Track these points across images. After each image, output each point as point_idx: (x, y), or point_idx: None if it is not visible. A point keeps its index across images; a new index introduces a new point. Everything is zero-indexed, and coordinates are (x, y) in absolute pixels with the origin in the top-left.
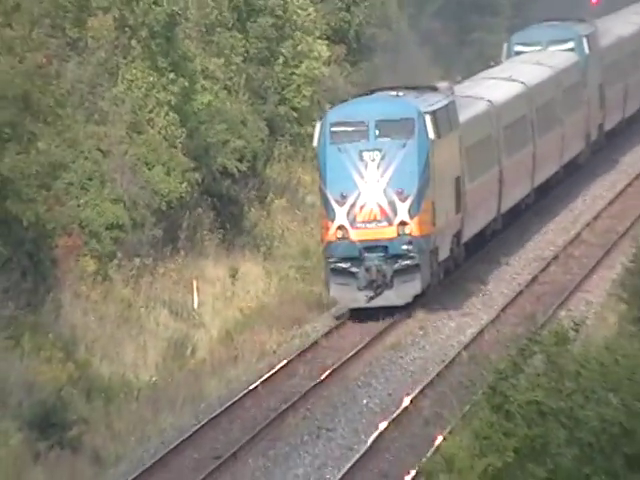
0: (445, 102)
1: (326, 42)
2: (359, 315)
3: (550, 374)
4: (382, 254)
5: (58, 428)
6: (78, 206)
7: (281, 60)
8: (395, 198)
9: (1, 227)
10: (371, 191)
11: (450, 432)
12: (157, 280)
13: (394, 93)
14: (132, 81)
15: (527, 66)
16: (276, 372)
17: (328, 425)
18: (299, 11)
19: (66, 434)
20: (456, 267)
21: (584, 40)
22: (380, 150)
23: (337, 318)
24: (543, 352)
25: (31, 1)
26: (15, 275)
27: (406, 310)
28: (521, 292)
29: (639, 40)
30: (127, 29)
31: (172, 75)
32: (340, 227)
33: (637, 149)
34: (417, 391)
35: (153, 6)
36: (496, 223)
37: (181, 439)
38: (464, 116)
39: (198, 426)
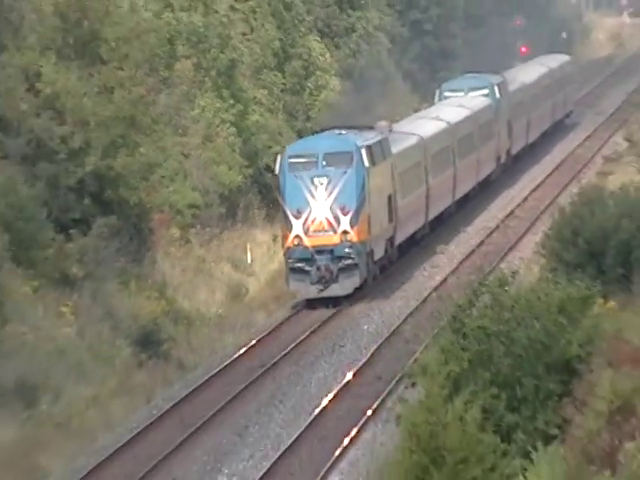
0: (379, 138)
1: (338, 78)
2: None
3: (494, 307)
4: (329, 256)
5: (154, 344)
6: (167, 192)
7: (307, 91)
8: (339, 213)
9: (115, 206)
10: (320, 208)
11: (424, 348)
12: (222, 243)
13: (338, 132)
14: (204, 106)
15: (451, 108)
16: (303, 308)
17: (340, 343)
18: (320, 57)
19: (160, 348)
20: (390, 264)
21: (495, 87)
22: (327, 176)
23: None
24: (489, 292)
25: (136, 51)
26: (125, 239)
27: (352, 296)
28: (473, 251)
29: (539, 85)
30: (202, 70)
31: (232, 102)
32: (296, 236)
33: (536, 167)
34: (401, 320)
35: (220, 54)
36: (424, 229)
37: (238, 353)
38: (398, 148)
39: (250, 344)
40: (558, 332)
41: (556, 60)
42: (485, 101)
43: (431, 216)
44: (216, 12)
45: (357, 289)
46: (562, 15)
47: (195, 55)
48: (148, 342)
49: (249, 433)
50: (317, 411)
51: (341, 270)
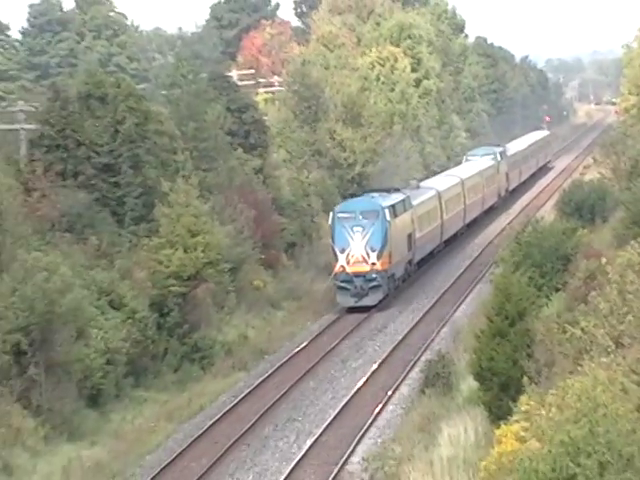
0: (402, 197)
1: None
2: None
3: (533, 232)
4: (362, 278)
5: None
6: None
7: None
8: (369, 251)
9: None
10: (357, 247)
11: (501, 251)
12: None
13: (371, 195)
14: None
15: (466, 167)
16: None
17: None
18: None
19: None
20: (409, 276)
21: (498, 153)
22: (362, 226)
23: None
24: (531, 225)
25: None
26: None
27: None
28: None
29: (527, 149)
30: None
31: None
32: (341, 266)
33: (525, 197)
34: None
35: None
36: (439, 247)
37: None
38: (418, 200)
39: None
40: (562, 242)
41: (540, 134)
42: (490, 162)
43: (445, 238)
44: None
45: (380, 300)
46: (563, 103)
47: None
48: None
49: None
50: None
51: (370, 288)
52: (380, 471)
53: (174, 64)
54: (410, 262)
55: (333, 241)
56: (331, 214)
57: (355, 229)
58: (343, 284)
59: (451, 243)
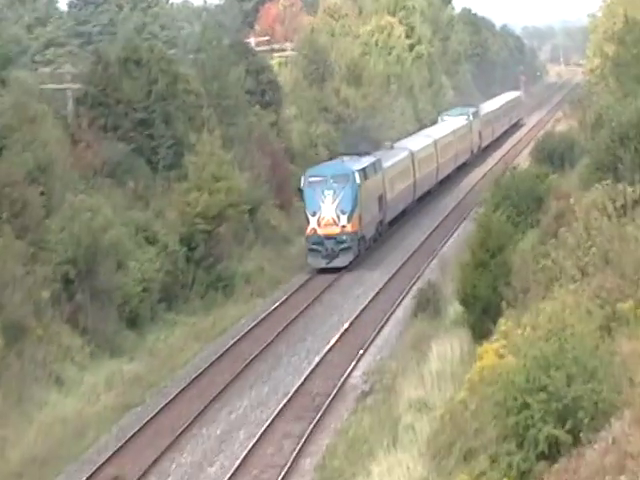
0: (372, 160)
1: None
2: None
3: (510, 176)
4: (333, 241)
5: None
6: None
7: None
8: (340, 214)
9: None
10: (328, 210)
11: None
12: None
13: (342, 159)
14: None
15: (440, 127)
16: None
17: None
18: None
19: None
20: (380, 235)
21: (471, 114)
22: (333, 189)
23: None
24: (509, 171)
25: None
26: None
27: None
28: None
29: (499, 109)
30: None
31: None
32: (313, 228)
33: (497, 153)
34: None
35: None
36: (413, 204)
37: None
38: (390, 162)
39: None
40: (536, 185)
41: (511, 94)
42: (463, 122)
43: (417, 196)
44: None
45: (351, 262)
46: (537, 65)
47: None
48: None
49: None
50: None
51: (341, 250)
52: (378, 383)
53: (200, 32)
54: (381, 222)
55: (305, 204)
56: (302, 178)
57: (326, 192)
58: (314, 246)
59: (424, 199)
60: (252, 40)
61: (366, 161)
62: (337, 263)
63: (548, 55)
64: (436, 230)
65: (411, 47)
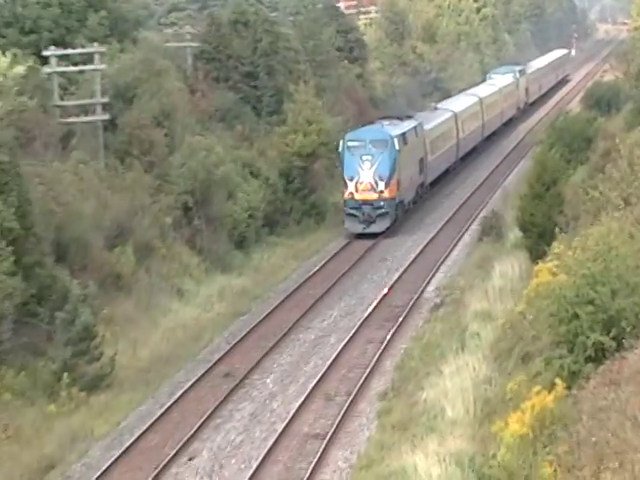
0: (413, 124)
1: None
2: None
3: (564, 120)
4: (370, 206)
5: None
6: None
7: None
8: (377, 179)
9: None
10: (366, 175)
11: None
12: None
13: (383, 122)
14: None
15: (486, 86)
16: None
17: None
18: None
19: None
20: (421, 197)
21: (518, 71)
22: (371, 155)
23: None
24: (562, 116)
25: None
26: None
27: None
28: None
29: (547, 66)
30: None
31: None
32: (350, 193)
33: (542, 109)
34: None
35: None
36: (456, 164)
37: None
38: (432, 123)
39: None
40: (585, 128)
41: (559, 52)
42: (509, 79)
43: (460, 155)
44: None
45: (388, 227)
46: (588, 24)
47: None
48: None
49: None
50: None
51: (378, 216)
52: (449, 297)
53: None
54: (422, 184)
55: (343, 169)
56: (341, 142)
57: (364, 158)
58: (352, 211)
59: (470, 156)
60: (342, 4)
61: (407, 125)
62: (374, 229)
63: (597, 15)
64: (499, 167)
65: (478, 9)
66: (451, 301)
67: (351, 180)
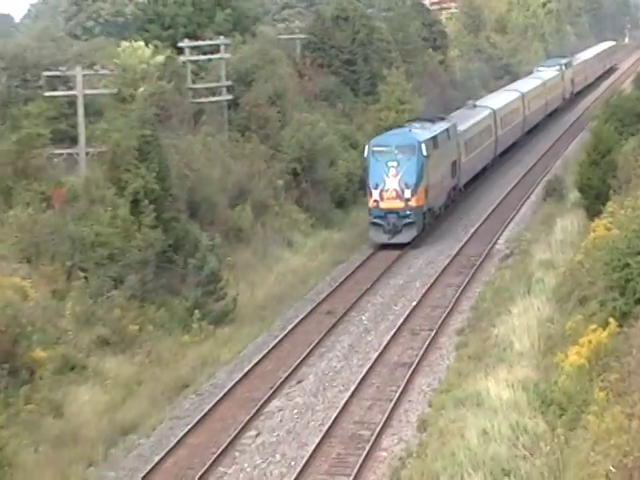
0: (444, 127)
1: None
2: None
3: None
4: (396, 215)
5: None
6: None
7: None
8: (404, 187)
9: None
10: (391, 183)
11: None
12: None
13: (413, 126)
14: None
15: (530, 80)
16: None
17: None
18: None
19: None
20: (453, 201)
21: (563, 64)
22: (397, 161)
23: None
24: (617, 95)
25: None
26: None
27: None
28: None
29: (594, 58)
30: None
31: None
32: (375, 201)
33: (589, 98)
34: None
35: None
36: (494, 161)
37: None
38: (469, 122)
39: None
40: (637, 104)
41: (606, 44)
42: (554, 72)
43: (499, 151)
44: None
45: (414, 237)
46: (639, 17)
47: None
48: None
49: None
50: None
51: (404, 225)
52: (517, 249)
53: None
54: (455, 187)
55: (367, 175)
56: (366, 147)
57: (390, 164)
58: (377, 220)
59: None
60: (427, 1)
61: (437, 128)
62: (400, 239)
63: None
64: (561, 138)
65: (544, 4)
66: (519, 252)
67: (376, 187)
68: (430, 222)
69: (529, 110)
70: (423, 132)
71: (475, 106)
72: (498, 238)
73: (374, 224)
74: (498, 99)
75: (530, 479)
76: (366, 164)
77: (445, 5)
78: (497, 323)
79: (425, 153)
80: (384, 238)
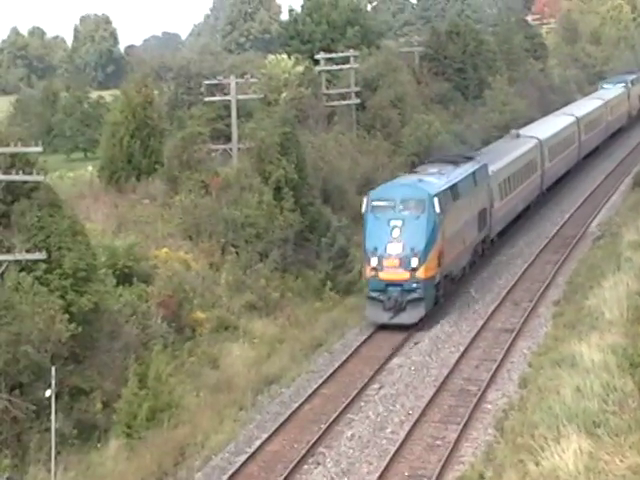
0: (470, 171)
1: None
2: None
3: None
4: (399, 288)
5: None
6: None
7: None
8: (409, 253)
9: None
10: (393, 247)
11: None
12: None
13: (423, 174)
14: None
15: (589, 101)
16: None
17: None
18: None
19: None
20: (482, 255)
21: (630, 80)
22: (402, 219)
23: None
24: None
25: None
26: None
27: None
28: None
29: None
30: None
31: None
32: (373, 269)
33: None
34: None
35: None
36: (538, 198)
37: None
38: (505, 159)
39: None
40: None
41: None
42: (620, 90)
43: (545, 187)
44: None
45: (421, 318)
46: None
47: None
48: None
49: None
50: None
51: (409, 302)
52: (607, 231)
53: (496, 13)
54: (484, 240)
55: (364, 236)
56: (364, 200)
57: (392, 223)
58: (375, 294)
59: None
60: (529, 17)
61: (459, 173)
62: (403, 319)
63: None
64: (624, 161)
65: (634, 19)
66: (609, 234)
67: (374, 253)
68: (448, 292)
69: (586, 135)
70: (438, 181)
71: (518, 136)
72: (591, 221)
73: (372, 299)
74: (547, 126)
75: (619, 431)
76: (363, 222)
77: (545, 20)
78: (590, 296)
79: (438, 209)
80: (384, 317)
